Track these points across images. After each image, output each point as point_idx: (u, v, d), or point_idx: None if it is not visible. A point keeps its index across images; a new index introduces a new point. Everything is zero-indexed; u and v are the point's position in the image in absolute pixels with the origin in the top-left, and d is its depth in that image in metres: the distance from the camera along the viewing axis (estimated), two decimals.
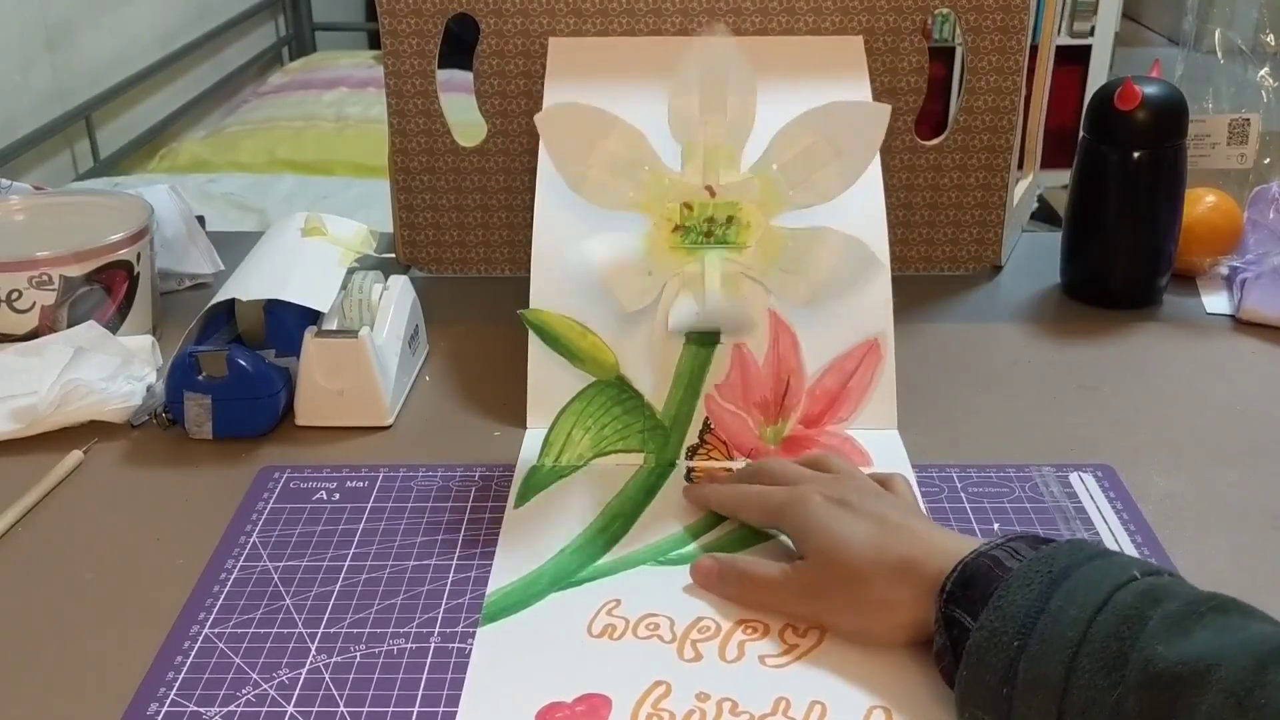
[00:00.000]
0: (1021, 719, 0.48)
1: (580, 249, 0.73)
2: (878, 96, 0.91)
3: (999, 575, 0.51)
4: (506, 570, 0.63)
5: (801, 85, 0.83)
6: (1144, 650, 0.46)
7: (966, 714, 0.51)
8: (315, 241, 0.86)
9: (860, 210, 0.77)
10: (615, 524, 0.67)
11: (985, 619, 0.50)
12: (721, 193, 0.74)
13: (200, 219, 1.02)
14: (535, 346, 0.75)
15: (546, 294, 0.76)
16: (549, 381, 0.75)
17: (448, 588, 0.62)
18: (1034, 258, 1.00)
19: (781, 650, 0.57)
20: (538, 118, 0.74)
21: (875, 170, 0.79)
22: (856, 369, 0.75)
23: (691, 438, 0.73)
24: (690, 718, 0.53)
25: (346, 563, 0.64)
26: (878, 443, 0.74)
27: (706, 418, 0.74)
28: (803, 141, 0.73)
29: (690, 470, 0.72)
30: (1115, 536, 0.66)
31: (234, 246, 0.98)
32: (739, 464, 0.72)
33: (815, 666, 0.56)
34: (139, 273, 0.87)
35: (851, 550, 0.57)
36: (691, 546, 0.65)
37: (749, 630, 0.59)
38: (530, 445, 0.74)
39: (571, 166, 0.74)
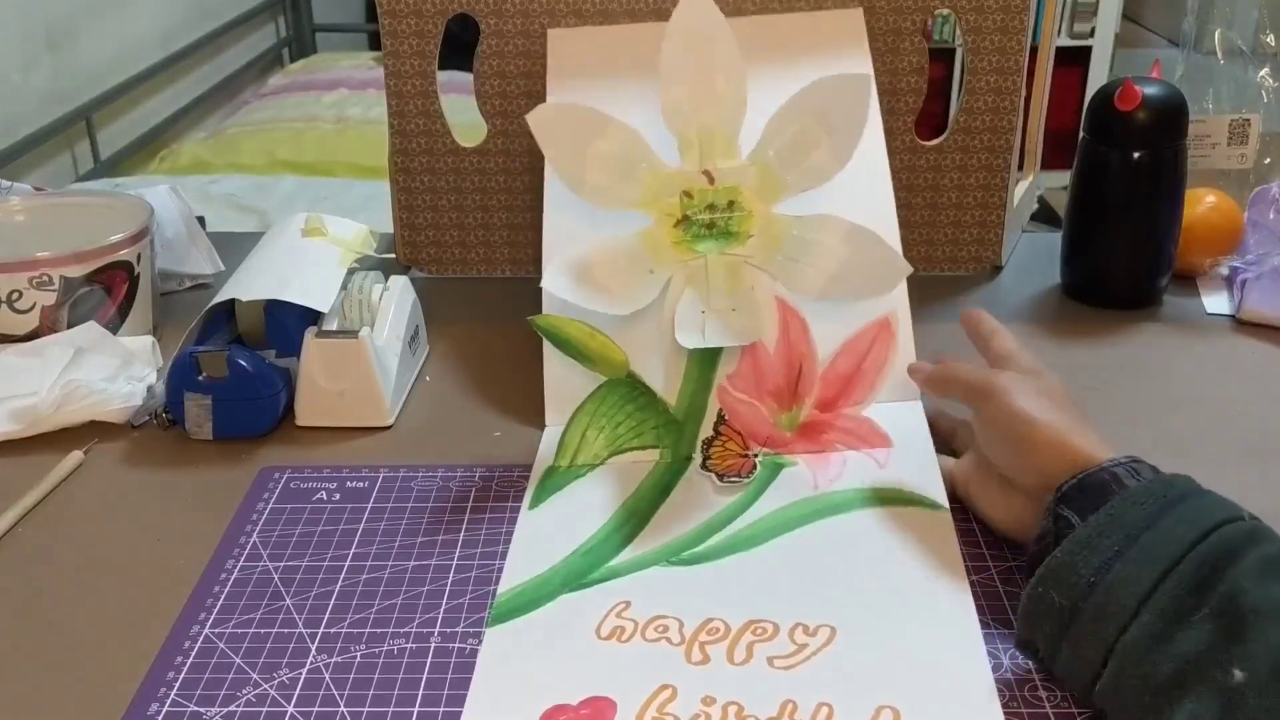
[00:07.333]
0: (1098, 606, 0.51)
1: (569, 259, 0.73)
2: (878, 97, 0.91)
3: (1114, 490, 0.55)
4: (518, 571, 0.63)
5: (802, 64, 0.82)
6: (1233, 582, 0.49)
7: (1039, 590, 0.53)
8: (315, 242, 0.86)
9: (868, 199, 0.77)
10: (630, 523, 0.67)
11: (1095, 521, 0.54)
12: (720, 177, 0.74)
13: (200, 220, 1.02)
14: (549, 350, 0.75)
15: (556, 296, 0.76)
16: (564, 382, 0.75)
17: (448, 588, 0.62)
18: (1034, 258, 1.00)
19: (791, 651, 0.57)
20: (529, 118, 0.73)
21: (881, 161, 0.78)
22: (869, 350, 0.75)
23: (706, 430, 0.73)
24: None
25: (346, 563, 0.64)
26: (898, 420, 0.73)
27: (720, 409, 0.73)
28: (793, 126, 0.73)
29: (706, 459, 0.71)
30: None
31: (234, 247, 0.98)
32: (756, 454, 0.72)
33: (824, 666, 0.56)
34: (139, 273, 0.87)
35: (1039, 413, 0.61)
36: (704, 546, 0.65)
37: (758, 631, 0.58)
38: (547, 446, 0.74)
39: (569, 168, 0.74)
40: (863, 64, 0.85)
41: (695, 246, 0.74)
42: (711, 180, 0.74)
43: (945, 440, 0.72)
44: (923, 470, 0.69)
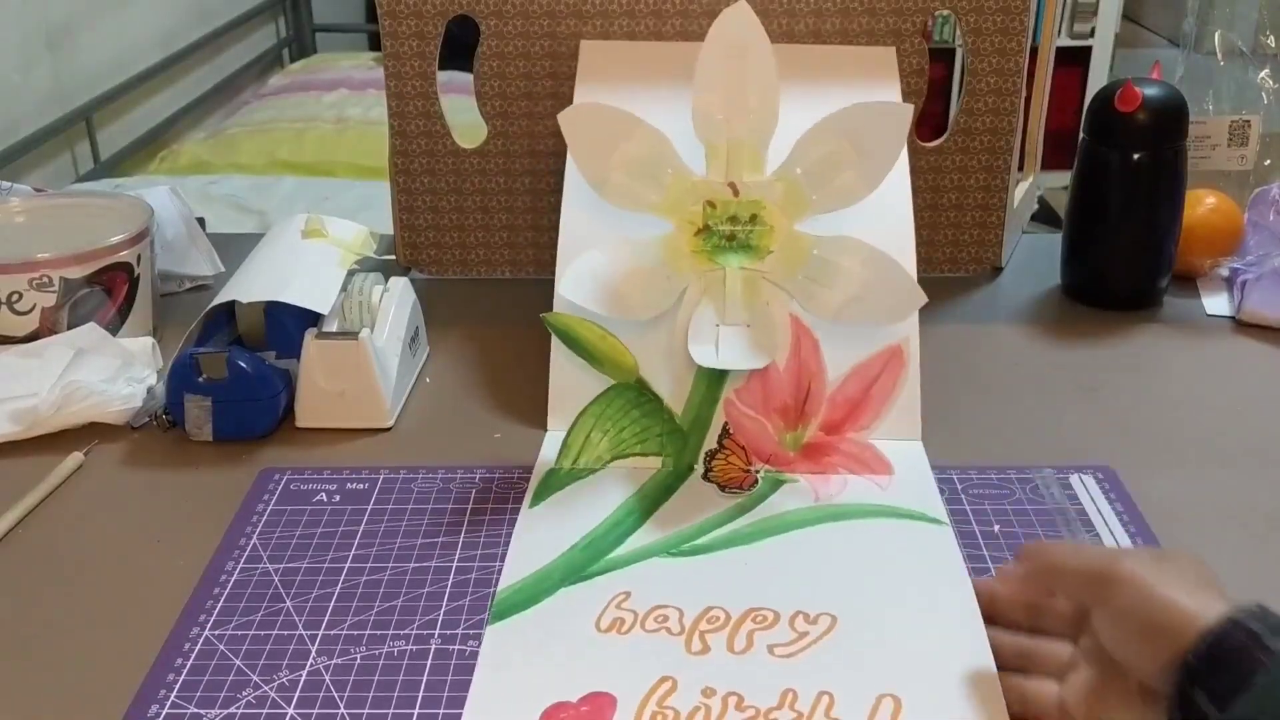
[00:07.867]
0: None
1: (586, 260, 0.73)
2: None
3: (1254, 655, 0.45)
4: (518, 568, 0.63)
5: (834, 92, 0.82)
6: None
7: None
8: (315, 243, 0.86)
9: (888, 223, 0.77)
10: (631, 518, 0.67)
11: (1242, 713, 0.44)
12: (745, 191, 0.73)
13: (200, 220, 1.02)
14: (557, 350, 0.75)
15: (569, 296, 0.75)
16: (569, 387, 0.75)
17: (448, 589, 0.62)
18: (1034, 259, 1.00)
19: (791, 639, 0.57)
20: (561, 116, 0.73)
21: (903, 174, 0.78)
22: (879, 376, 0.75)
23: (710, 442, 0.73)
24: (695, 715, 0.53)
25: (347, 565, 0.64)
26: (900, 455, 0.73)
27: (726, 422, 0.73)
28: (825, 145, 0.73)
29: (708, 471, 0.72)
30: (1115, 538, 0.66)
31: (234, 248, 0.98)
32: (758, 470, 0.72)
33: (825, 655, 0.56)
34: (139, 274, 0.87)
35: (1187, 597, 0.49)
36: (705, 539, 0.65)
37: (758, 619, 0.58)
38: (549, 448, 0.74)
39: (594, 167, 0.74)
40: (893, 99, 0.85)
41: (715, 257, 0.74)
42: (736, 192, 0.74)
43: (1009, 663, 0.56)
44: (924, 496, 0.69)
